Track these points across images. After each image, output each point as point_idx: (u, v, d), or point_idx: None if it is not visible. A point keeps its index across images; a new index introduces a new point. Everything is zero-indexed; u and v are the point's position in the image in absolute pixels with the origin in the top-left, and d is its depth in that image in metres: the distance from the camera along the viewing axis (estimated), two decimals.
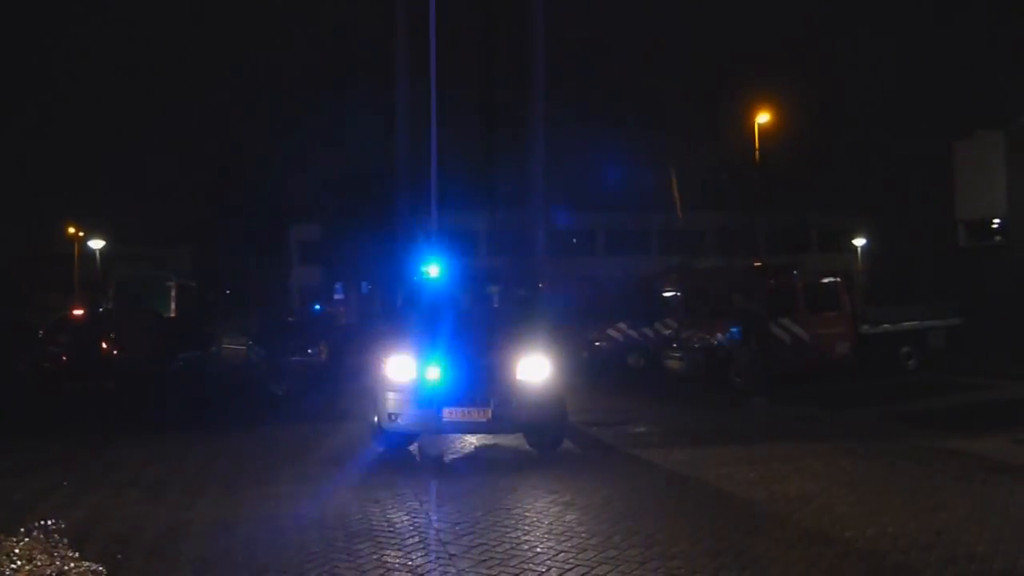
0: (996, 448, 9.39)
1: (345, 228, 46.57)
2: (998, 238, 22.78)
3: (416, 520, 6.84)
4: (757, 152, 26.14)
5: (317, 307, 47.37)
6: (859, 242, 41.16)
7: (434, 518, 6.90)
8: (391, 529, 6.57)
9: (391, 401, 9.42)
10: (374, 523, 6.75)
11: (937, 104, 25.85)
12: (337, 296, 51.43)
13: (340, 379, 15.39)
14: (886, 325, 17.19)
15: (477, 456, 10.01)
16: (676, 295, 19.83)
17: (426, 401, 9.26)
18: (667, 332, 18.65)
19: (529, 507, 7.27)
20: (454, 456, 9.96)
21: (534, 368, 9.56)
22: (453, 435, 10.34)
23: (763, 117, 25.85)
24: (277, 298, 50.82)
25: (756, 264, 22.60)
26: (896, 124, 28.56)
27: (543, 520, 6.83)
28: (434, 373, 9.35)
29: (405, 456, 9.82)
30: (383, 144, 43.97)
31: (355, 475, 8.73)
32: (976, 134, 22.93)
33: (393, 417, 9.38)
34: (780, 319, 16.10)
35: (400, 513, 7.05)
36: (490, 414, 9.25)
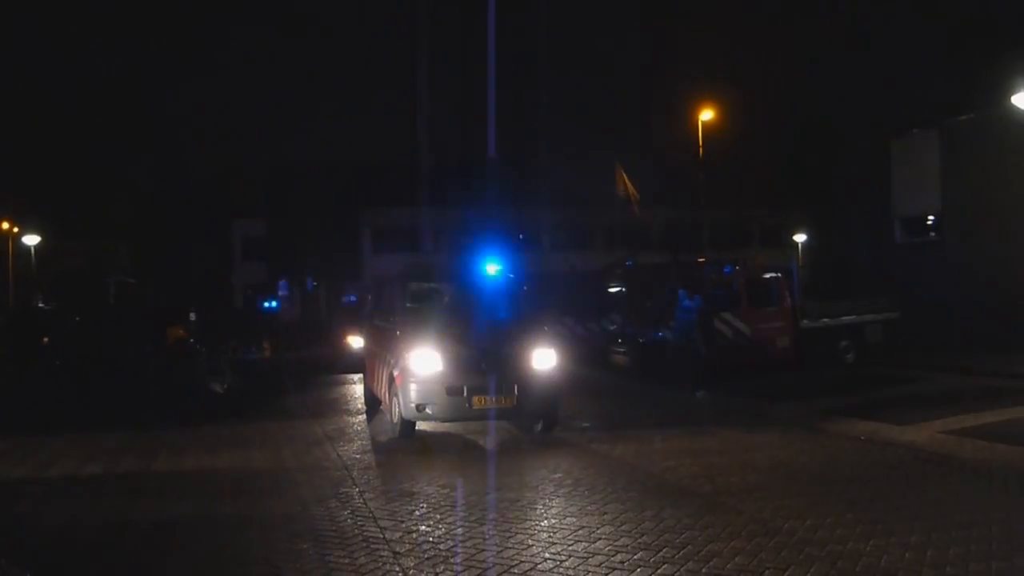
0: (929, 439, 9.67)
1: (290, 223, 45.99)
2: (932, 235, 23.45)
3: (360, 520, 6.76)
4: (700, 149, 26.50)
5: (271, 303, 46.65)
6: (800, 238, 42.05)
7: (379, 516, 6.82)
8: (334, 529, 6.49)
9: (418, 392, 9.82)
10: (318, 523, 6.66)
11: (875, 102, 26.52)
12: (281, 292, 50.72)
13: (283, 376, 15.19)
14: (825, 320, 17.57)
15: (423, 447, 9.93)
16: (621, 290, 20.00)
17: (456, 390, 9.80)
18: (612, 328, 18.79)
19: (475, 504, 7.24)
20: (395, 448, 9.86)
21: (545, 357, 10.28)
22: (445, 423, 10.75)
23: (706, 114, 26.21)
24: (220, 295, 49.92)
25: (699, 260, 22.92)
26: (835, 121, 29.20)
27: (488, 515, 6.81)
28: (460, 364, 9.88)
29: (351, 454, 9.70)
30: (335, 136, 43.61)
31: (298, 475, 8.57)
32: (912, 133, 23.57)
33: (422, 408, 9.81)
34: (722, 314, 16.34)
35: (344, 512, 6.97)
36: (515, 401, 9.96)
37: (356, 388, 16.22)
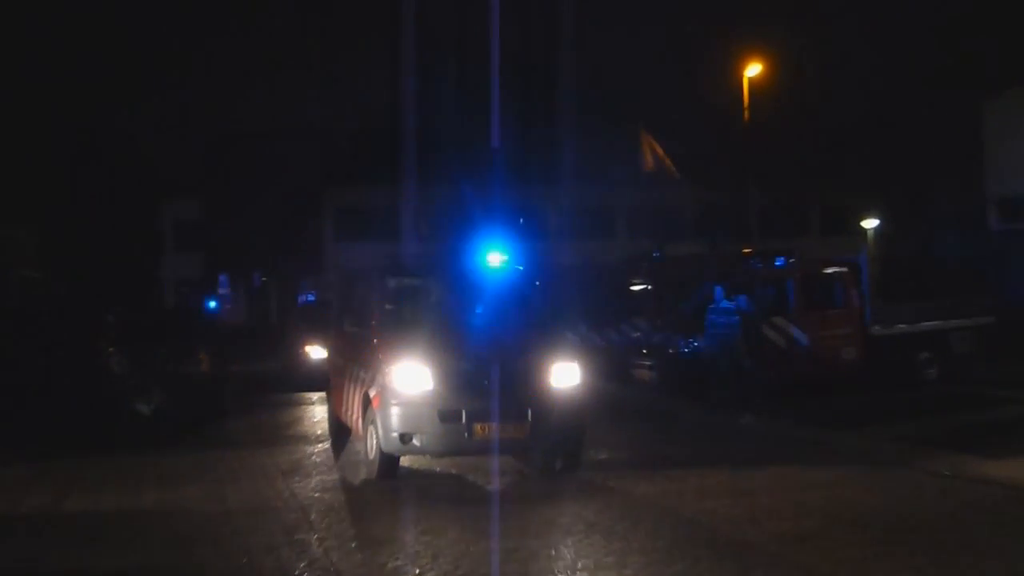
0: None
1: (232, 204, 45.81)
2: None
3: (318, 573, 6.77)
4: (746, 112, 26.50)
5: (211, 303, 46.58)
6: (870, 224, 42.00)
7: (342, 569, 6.83)
8: None
9: (402, 418, 9.27)
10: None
11: (963, 60, 26.50)
12: (222, 290, 50.62)
13: (225, 395, 15.19)
14: (901, 326, 17.55)
15: (400, 486, 9.92)
16: (646, 289, 20.01)
17: (451, 415, 9.25)
18: (635, 335, 18.81)
19: (462, 554, 7.24)
20: (365, 486, 9.86)
21: (567, 373, 9.80)
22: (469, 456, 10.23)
23: (753, 69, 26.22)
24: (146, 292, 49.83)
25: (745, 251, 22.94)
26: (914, 83, 29.20)
27: (478, 568, 6.82)
28: (457, 381, 9.40)
29: (308, 492, 9.70)
30: (286, 100, 43.48)
31: (243, 518, 8.57)
32: (1006, 93, 23.59)
33: (407, 438, 9.28)
34: (773, 318, 16.35)
35: (299, 564, 6.98)
36: (528, 429, 9.47)
37: (317, 410, 16.23)
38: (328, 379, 12.82)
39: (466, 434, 9.26)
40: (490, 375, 9.31)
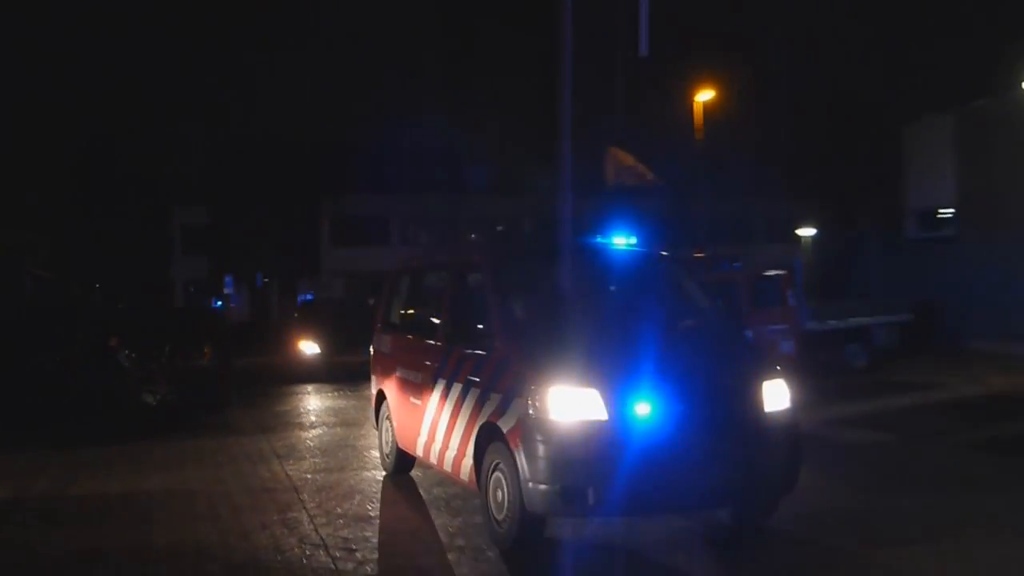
0: (949, 454, 9.70)
1: (236, 210, 45.36)
2: (948, 229, 23.65)
3: (308, 548, 6.62)
4: (699, 132, 26.50)
5: (217, 302, 46.23)
6: (806, 232, 42.17)
7: (330, 544, 6.69)
8: (279, 559, 6.35)
9: (568, 465, 5.77)
10: (260, 553, 6.52)
11: (887, 87, 26.70)
12: (226, 290, 50.21)
13: (227, 388, 14.97)
14: (832, 321, 17.67)
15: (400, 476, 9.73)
16: None
17: (647, 460, 5.77)
18: None
19: (444, 527, 7.10)
20: (356, 467, 9.66)
21: (779, 394, 6.38)
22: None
23: (706, 95, 26.23)
24: (157, 292, 49.32)
25: (696, 255, 22.94)
26: (846, 106, 29.36)
27: (455, 541, 6.69)
28: (649, 409, 5.90)
29: (301, 473, 9.52)
30: (285, 114, 43.13)
31: (240, 498, 8.40)
32: (925, 119, 23.76)
33: (573, 494, 5.73)
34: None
35: (291, 539, 6.83)
36: (743, 474, 6.15)
37: (310, 400, 16.05)
38: (380, 396, 9.41)
39: (667, 488, 5.85)
40: (693, 400, 6.05)
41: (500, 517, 6.30)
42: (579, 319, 6.98)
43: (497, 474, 6.34)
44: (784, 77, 31.63)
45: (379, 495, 8.46)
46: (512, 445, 6.06)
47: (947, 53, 22.61)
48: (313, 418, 13.78)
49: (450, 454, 7.17)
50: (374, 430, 11.66)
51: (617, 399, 5.86)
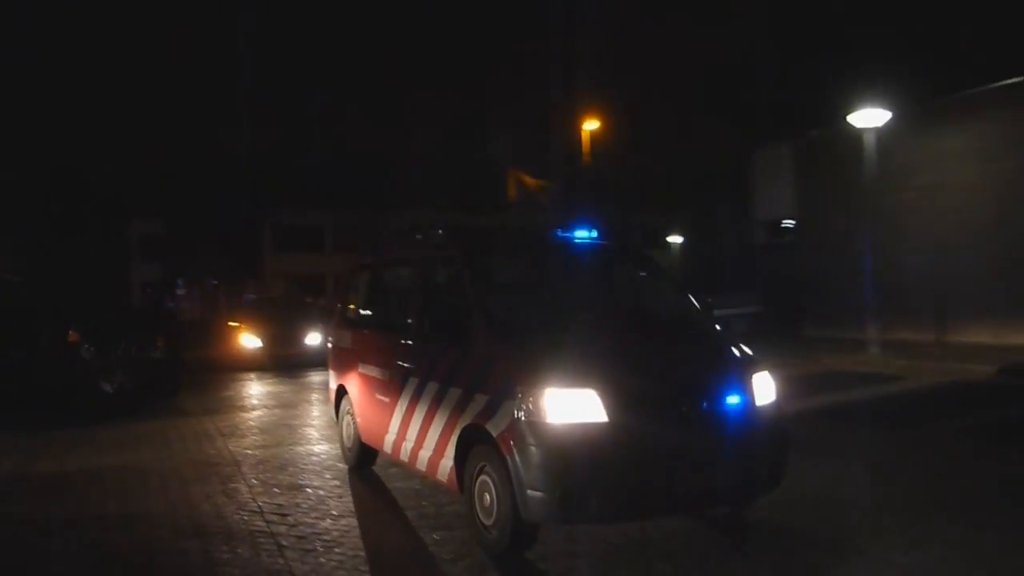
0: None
1: (187, 221, 44.41)
2: (789, 237, 24.66)
3: (246, 515, 6.56)
4: (586, 157, 26.99)
5: (171, 302, 44.96)
6: (675, 239, 43.40)
7: (266, 510, 6.64)
8: (220, 525, 6.27)
9: (566, 470, 4.78)
10: (204, 520, 6.43)
11: (742, 115, 27.68)
12: (179, 291, 49.11)
13: (176, 375, 14.58)
14: None
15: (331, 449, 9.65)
16: None
17: (648, 462, 4.89)
18: None
19: (362, 493, 7.10)
20: (292, 442, 9.56)
21: (766, 386, 5.55)
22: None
23: (592, 124, 26.72)
24: (115, 293, 47.56)
25: None
26: (707, 132, 30.29)
27: (375, 502, 6.71)
28: (648, 409, 4.98)
29: (242, 449, 9.37)
30: (230, 135, 42.22)
31: (187, 471, 8.23)
32: (769, 145, 24.75)
33: (574, 500, 4.78)
34: None
35: (231, 507, 6.75)
36: (741, 470, 5.24)
37: (252, 386, 15.76)
38: (340, 390, 8.16)
39: (669, 489, 4.98)
40: (691, 397, 5.10)
41: (489, 522, 5.23)
42: (565, 315, 5.90)
43: (484, 478, 5.26)
44: (654, 113, 32.47)
45: (311, 467, 8.41)
46: (504, 450, 4.99)
47: (787, 91, 23.53)
48: (254, 401, 13.53)
49: (424, 454, 6.08)
50: (309, 410, 11.54)
51: (615, 399, 4.87)
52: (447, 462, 5.73)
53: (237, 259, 44.38)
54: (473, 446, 5.40)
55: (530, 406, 4.89)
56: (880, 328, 16.27)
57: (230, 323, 21.73)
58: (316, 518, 6.39)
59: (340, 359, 8.24)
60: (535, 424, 4.86)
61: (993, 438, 9.14)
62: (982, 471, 7.67)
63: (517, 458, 4.91)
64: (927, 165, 19.09)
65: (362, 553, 5.52)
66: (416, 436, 6.24)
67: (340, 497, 7.04)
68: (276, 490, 7.34)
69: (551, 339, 5.31)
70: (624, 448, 4.82)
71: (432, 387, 5.99)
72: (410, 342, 6.53)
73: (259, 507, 6.74)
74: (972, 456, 8.35)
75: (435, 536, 5.83)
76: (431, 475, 6.08)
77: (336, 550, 5.58)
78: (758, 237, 25.67)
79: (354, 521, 6.30)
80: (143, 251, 52.77)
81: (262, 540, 5.84)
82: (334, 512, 6.57)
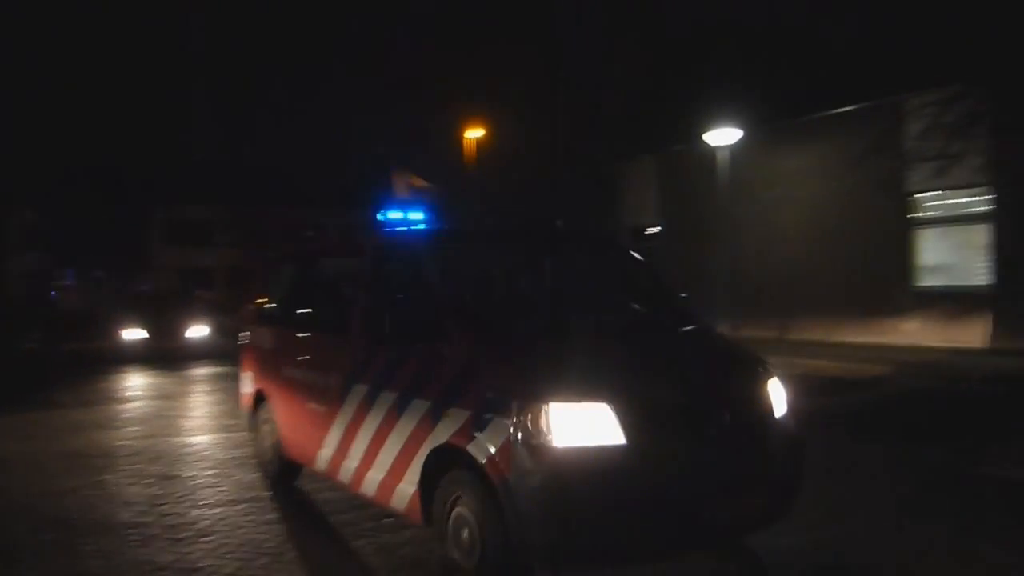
0: None
1: (67, 212, 42.00)
2: (655, 242, 25.53)
3: (114, 506, 6.15)
4: (470, 162, 27.01)
5: (53, 293, 41.97)
6: None
7: (134, 502, 6.24)
8: (85, 516, 5.84)
9: (570, 507, 3.66)
10: (69, 512, 5.97)
11: (610, 135, 28.43)
12: (67, 282, 46.06)
13: (56, 367, 13.60)
14: None
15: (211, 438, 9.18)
16: None
17: (673, 491, 3.82)
18: None
19: (241, 482, 6.80)
20: (166, 432, 9.01)
21: (778, 394, 4.47)
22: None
23: (476, 133, 26.77)
24: None
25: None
26: (580, 146, 30.93)
27: (250, 492, 6.43)
28: (666, 428, 3.89)
29: (115, 441, 8.78)
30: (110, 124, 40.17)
31: (57, 463, 7.63)
32: (636, 158, 25.55)
33: (585, 541, 3.67)
34: None
35: (98, 499, 6.30)
36: (767, 495, 4.21)
37: (131, 378, 14.86)
38: (258, 395, 6.85)
39: (699, 520, 3.92)
40: (714, 409, 4.04)
41: (470, 565, 3.98)
42: (553, 314, 4.84)
43: (460, 510, 4.05)
44: (533, 127, 32.80)
45: (187, 458, 7.99)
46: (494, 479, 3.78)
47: (651, 109, 24.29)
48: (132, 393, 12.75)
49: (374, 475, 4.76)
50: (188, 402, 11.01)
51: (632, 415, 3.76)
52: (406, 487, 4.44)
53: (124, 251, 42.11)
54: (447, 471, 4.15)
55: (530, 425, 3.70)
56: (730, 326, 17.05)
57: (114, 315, 20.44)
58: (187, 508, 6.07)
59: (258, 360, 6.88)
60: (539, 448, 3.67)
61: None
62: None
63: (515, 490, 3.70)
64: (774, 180, 20.17)
65: (231, 540, 5.28)
66: (362, 455, 4.90)
67: (215, 487, 6.72)
68: (148, 480, 6.93)
69: (546, 341, 4.25)
70: (648, 477, 3.74)
71: (387, 397, 4.63)
72: (355, 343, 5.10)
73: (129, 498, 6.34)
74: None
75: (316, 522, 5.66)
76: (382, 502, 4.75)
77: (204, 539, 5.31)
78: (626, 242, 26.43)
79: (228, 510, 6.01)
80: (23, 240, 49.05)
81: (129, 531, 5.48)
82: (207, 501, 6.25)
